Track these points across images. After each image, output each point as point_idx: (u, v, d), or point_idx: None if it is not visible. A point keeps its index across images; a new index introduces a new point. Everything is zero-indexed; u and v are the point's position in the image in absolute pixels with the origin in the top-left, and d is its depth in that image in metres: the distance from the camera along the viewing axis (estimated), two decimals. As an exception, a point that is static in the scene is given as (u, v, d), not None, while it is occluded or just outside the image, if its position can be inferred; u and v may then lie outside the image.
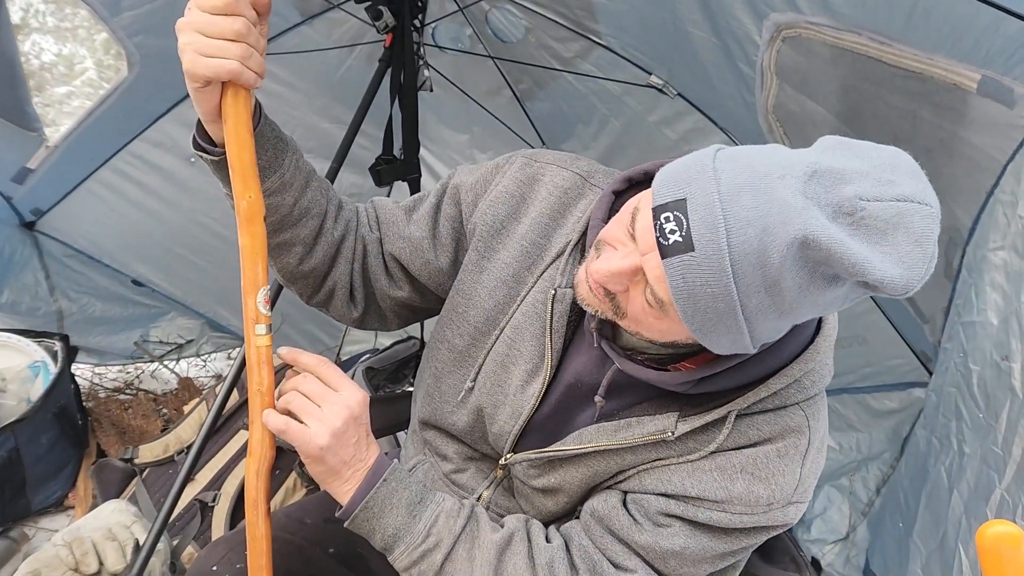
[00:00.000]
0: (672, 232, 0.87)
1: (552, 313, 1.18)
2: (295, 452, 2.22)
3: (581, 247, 1.19)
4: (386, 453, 1.19)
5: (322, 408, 1.09)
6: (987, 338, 1.60)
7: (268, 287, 1.08)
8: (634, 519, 1.17)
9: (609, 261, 0.98)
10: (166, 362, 3.41)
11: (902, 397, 2.37)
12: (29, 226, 3.02)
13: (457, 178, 1.33)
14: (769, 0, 1.78)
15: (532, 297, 1.22)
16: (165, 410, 3.09)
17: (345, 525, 1.16)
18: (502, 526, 1.22)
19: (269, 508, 1.14)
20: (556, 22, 2.55)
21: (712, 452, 1.11)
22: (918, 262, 0.83)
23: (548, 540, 1.22)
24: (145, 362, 3.40)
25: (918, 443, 1.96)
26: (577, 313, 1.20)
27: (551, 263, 1.22)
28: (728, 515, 1.11)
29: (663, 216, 0.88)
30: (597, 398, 1.18)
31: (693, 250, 0.85)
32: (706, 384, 1.08)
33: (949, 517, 1.69)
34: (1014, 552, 0.86)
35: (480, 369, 1.28)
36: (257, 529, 1.14)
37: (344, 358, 3.58)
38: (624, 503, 1.19)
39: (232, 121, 1.03)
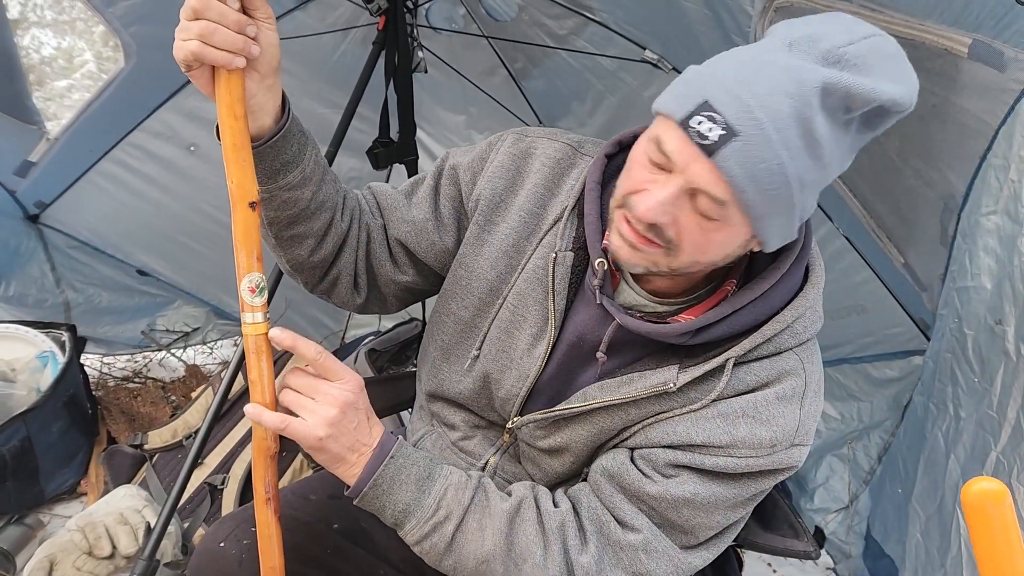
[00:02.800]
0: (710, 130, 0.93)
1: (553, 276, 1.23)
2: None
3: (579, 212, 1.24)
4: (392, 432, 1.21)
5: (316, 400, 1.10)
6: (981, 303, 1.60)
7: (258, 274, 1.08)
8: (643, 473, 1.20)
9: (651, 195, 1.01)
10: (173, 350, 3.44)
11: (902, 365, 2.37)
12: (33, 219, 3.03)
13: (452, 159, 1.37)
14: (759, -30, 1.78)
15: (532, 263, 1.27)
16: (173, 397, 3.12)
17: (355, 503, 1.17)
18: (509, 495, 1.24)
19: (276, 496, 1.15)
20: (549, -1, 2.54)
21: (713, 400, 1.15)
22: (908, 76, 0.97)
23: (556, 505, 1.25)
24: (152, 351, 3.42)
25: (916, 409, 1.97)
26: (577, 275, 1.24)
27: (549, 229, 1.27)
28: (734, 459, 1.15)
29: (692, 121, 0.94)
30: (599, 354, 1.22)
31: (737, 135, 0.92)
32: (703, 335, 1.13)
33: (946, 481, 1.70)
34: (999, 508, 0.87)
35: (485, 337, 1.33)
36: (268, 528, 1.15)
37: (347, 341, 3.60)
38: (632, 459, 1.22)
39: (218, 105, 1.04)
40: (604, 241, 1.19)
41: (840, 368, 2.58)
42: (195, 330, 3.49)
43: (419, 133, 3.25)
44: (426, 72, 2.56)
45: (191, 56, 1.00)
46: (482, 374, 1.33)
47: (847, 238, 2.36)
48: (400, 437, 1.21)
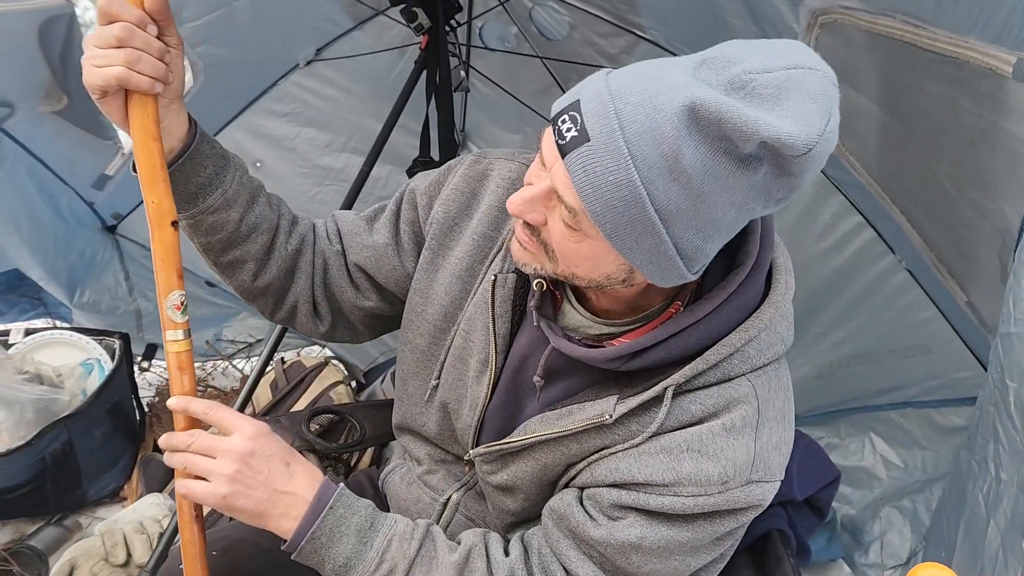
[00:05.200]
0: (568, 130, 0.89)
1: (494, 298, 1.19)
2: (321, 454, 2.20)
3: None
4: (330, 478, 1.16)
5: (216, 458, 1.06)
6: (1024, 351, 1.42)
7: (181, 292, 1.10)
8: (589, 515, 1.12)
9: (524, 190, 0.99)
10: (235, 361, 3.52)
11: (970, 413, 2.15)
12: (111, 230, 3.17)
13: (413, 183, 1.36)
14: (802, -16, 1.69)
15: (482, 287, 1.24)
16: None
17: (292, 558, 1.12)
18: (459, 543, 1.18)
19: (201, 514, 1.13)
20: (599, 17, 2.49)
21: (654, 434, 1.06)
22: (814, 118, 0.81)
23: (507, 553, 1.18)
24: (217, 360, 3.52)
25: (960, 465, 1.78)
26: (521, 297, 1.20)
27: (498, 251, 1.23)
28: (680, 499, 1.05)
29: (560, 120, 0.90)
30: (535, 378, 1.16)
31: (588, 140, 0.87)
32: (638, 360, 1.05)
33: (986, 550, 1.52)
34: (946, 601, 0.75)
35: (443, 366, 1.30)
36: (195, 546, 1.13)
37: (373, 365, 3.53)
38: (581, 500, 1.15)
39: (135, 127, 1.05)
40: None
41: (904, 412, 2.39)
42: (258, 341, 3.56)
43: (474, 151, 3.22)
44: (468, 91, 2.53)
45: (115, 82, 1.01)
46: (441, 404, 1.31)
47: (910, 272, 2.19)
48: (341, 484, 1.15)
